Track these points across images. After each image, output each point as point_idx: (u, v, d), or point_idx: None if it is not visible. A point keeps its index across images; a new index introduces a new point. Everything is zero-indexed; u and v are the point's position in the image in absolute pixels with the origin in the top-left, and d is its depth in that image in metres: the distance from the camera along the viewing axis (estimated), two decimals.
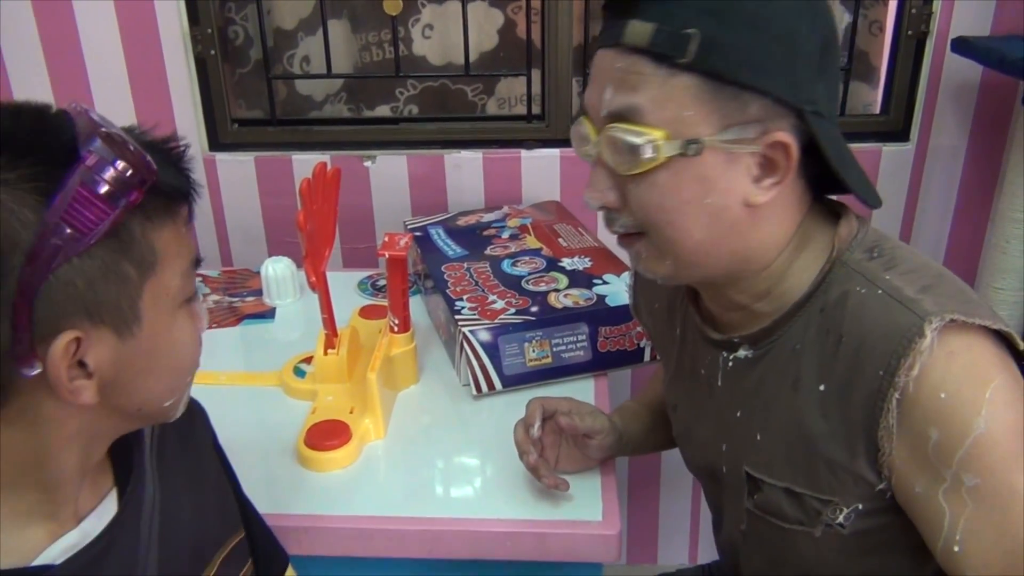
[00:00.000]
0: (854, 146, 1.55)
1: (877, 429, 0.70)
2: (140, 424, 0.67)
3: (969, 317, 0.68)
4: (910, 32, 1.56)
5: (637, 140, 0.70)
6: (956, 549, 0.67)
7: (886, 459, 0.71)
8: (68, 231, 0.52)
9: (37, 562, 0.59)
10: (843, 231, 0.77)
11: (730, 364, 0.84)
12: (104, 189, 0.54)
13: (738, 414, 0.84)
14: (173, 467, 0.73)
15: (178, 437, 0.75)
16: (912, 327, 0.68)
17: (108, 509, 0.66)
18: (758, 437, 0.81)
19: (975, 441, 0.65)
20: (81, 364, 0.56)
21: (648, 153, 0.70)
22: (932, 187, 1.64)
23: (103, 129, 0.55)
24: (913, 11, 1.54)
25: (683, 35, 0.68)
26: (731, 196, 0.72)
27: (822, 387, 0.75)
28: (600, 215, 0.80)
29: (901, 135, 1.63)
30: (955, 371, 0.67)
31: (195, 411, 0.79)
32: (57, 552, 0.60)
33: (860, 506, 0.76)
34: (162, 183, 0.58)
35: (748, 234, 0.75)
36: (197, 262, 0.65)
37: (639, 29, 0.70)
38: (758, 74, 0.69)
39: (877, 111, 1.69)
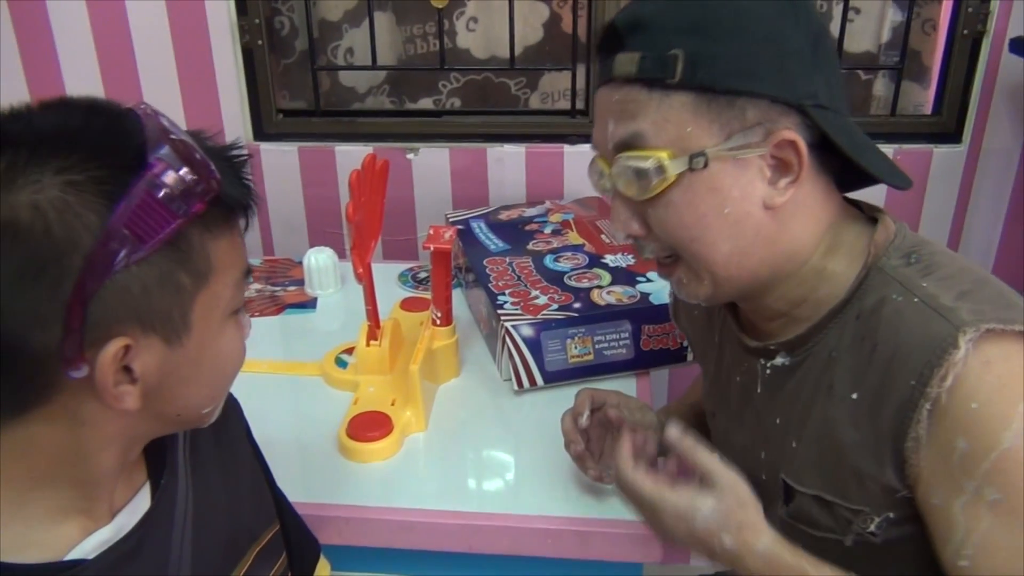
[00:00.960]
0: (904, 147, 1.56)
1: (905, 440, 0.69)
2: (176, 428, 0.67)
3: (1008, 324, 0.66)
4: (965, 31, 1.53)
5: (645, 164, 0.72)
6: (963, 563, 0.66)
7: (913, 470, 0.70)
8: (129, 238, 0.52)
9: (70, 557, 0.59)
10: (879, 235, 0.76)
11: (768, 372, 0.84)
12: (169, 197, 0.53)
13: (777, 421, 0.83)
14: (207, 460, 0.73)
15: (211, 430, 0.74)
16: (947, 337, 0.66)
17: (141, 504, 0.65)
18: (793, 444, 0.81)
19: (1001, 455, 0.64)
20: (127, 369, 0.55)
21: (657, 175, 0.72)
22: (984, 191, 1.61)
23: (172, 136, 0.55)
24: (969, 10, 1.51)
25: (668, 57, 0.70)
26: (749, 202, 0.73)
27: (855, 395, 0.74)
28: (630, 245, 0.82)
29: (953, 137, 1.59)
30: (989, 381, 0.65)
31: (229, 403, 0.79)
32: (90, 547, 0.60)
33: (891, 515, 0.74)
34: (224, 194, 0.57)
35: (775, 238, 0.75)
36: (248, 272, 0.64)
37: (626, 60, 0.73)
38: (748, 79, 0.70)
39: (929, 111, 1.66)
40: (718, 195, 0.72)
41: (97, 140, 0.53)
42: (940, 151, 1.58)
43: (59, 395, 0.54)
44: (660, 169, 0.72)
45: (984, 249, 1.65)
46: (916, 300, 0.70)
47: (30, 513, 0.58)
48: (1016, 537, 0.64)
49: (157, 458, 0.68)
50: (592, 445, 0.98)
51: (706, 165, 0.71)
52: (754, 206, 0.73)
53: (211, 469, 0.73)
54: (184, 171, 0.54)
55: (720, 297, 0.79)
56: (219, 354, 0.62)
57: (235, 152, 0.62)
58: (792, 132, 0.71)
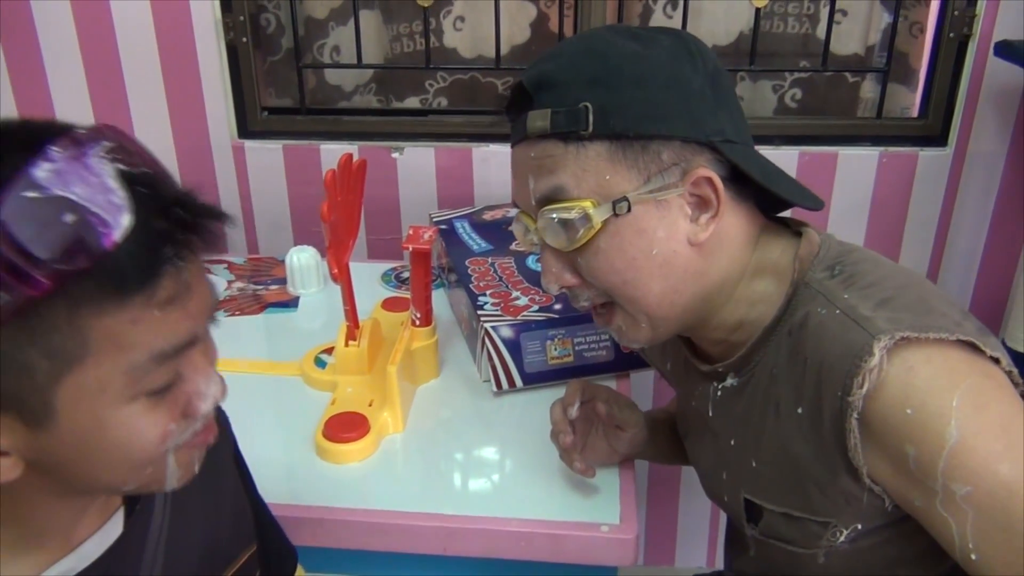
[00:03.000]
0: (890, 150, 1.56)
1: (847, 450, 0.70)
2: (103, 492, 0.59)
3: (923, 332, 0.67)
4: (952, 34, 1.52)
5: (569, 215, 0.74)
6: (973, 557, 0.66)
7: (866, 476, 0.71)
8: None
9: None
10: (803, 250, 0.78)
11: (719, 393, 0.85)
12: (8, 263, 0.43)
13: (732, 442, 0.85)
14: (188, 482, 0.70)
15: None
16: (863, 346, 0.67)
17: (113, 530, 0.62)
18: (753, 464, 0.82)
19: (952, 451, 0.64)
20: None
21: (583, 224, 0.74)
22: (969, 194, 1.61)
23: (28, 192, 0.44)
24: (956, 13, 1.50)
25: (578, 109, 0.73)
26: (674, 241, 0.75)
27: (800, 410, 0.75)
28: (563, 296, 0.84)
29: (939, 140, 1.59)
30: (917, 384, 0.66)
31: (218, 419, 0.74)
32: None
33: (859, 526, 0.75)
34: (113, 270, 0.47)
35: (703, 271, 0.77)
36: (176, 349, 0.52)
37: (538, 116, 0.75)
38: (657, 123, 0.73)
39: (915, 114, 1.65)
40: (644, 237, 0.74)
41: None
42: (926, 154, 1.58)
43: None
44: (585, 218, 0.74)
45: (969, 253, 1.65)
46: (837, 312, 0.72)
47: None
48: (1003, 515, 0.64)
49: None
50: (576, 438, 0.98)
51: (629, 209, 0.73)
52: (680, 244, 0.75)
53: (192, 490, 0.68)
54: (14, 241, 0.43)
55: (659, 337, 0.81)
56: (117, 441, 0.52)
57: (201, 218, 0.51)
58: (706, 169, 0.73)
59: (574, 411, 0.95)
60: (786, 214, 0.86)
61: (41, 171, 0.46)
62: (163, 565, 0.65)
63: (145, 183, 0.49)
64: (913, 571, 0.79)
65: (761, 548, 0.86)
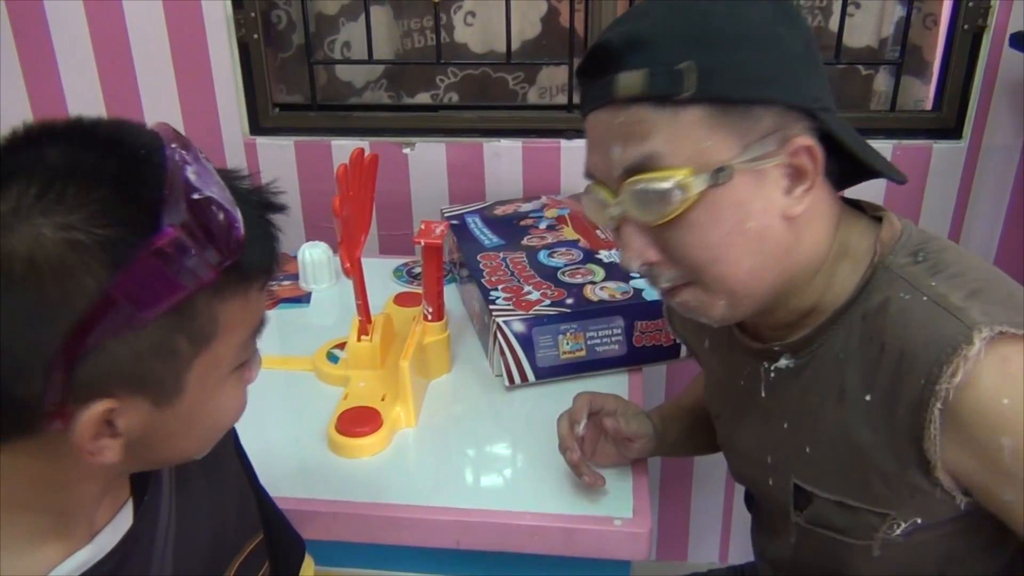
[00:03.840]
0: (904, 143, 1.54)
1: (923, 440, 0.68)
2: (162, 466, 0.65)
3: (1020, 328, 0.65)
4: (966, 26, 1.51)
5: (665, 185, 0.69)
6: None
7: (940, 471, 0.69)
8: (127, 307, 0.47)
9: None
10: (885, 234, 0.75)
11: (772, 375, 0.82)
12: (177, 269, 0.48)
13: (784, 425, 0.82)
14: (192, 473, 0.71)
15: None
16: (959, 335, 0.65)
17: (123, 522, 0.63)
18: (807, 449, 0.79)
19: None
20: (109, 423, 0.52)
21: (680, 195, 0.69)
22: (984, 187, 1.59)
23: (194, 195, 0.49)
24: (970, 4, 1.49)
25: (678, 71, 0.67)
26: (770, 214, 0.71)
27: (868, 397, 0.72)
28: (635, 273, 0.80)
29: (953, 132, 1.58)
30: (1013, 374, 0.64)
31: None
32: (69, 568, 0.58)
33: (919, 520, 0.73)
34: (244, 261, 0.52)
35: (794, 250, 0.73)
36: (260, 326, 0.59)
37: (631, 79, 0.69)
38: (762, 87, 0.68)
39: (929, 107, 1.64)
40: (740, 209, 0.70)
41: (109, 193, 0.48)
42: (940, 147, 1.57)
43: (39, 435, 0.51)
44: (682, 188, 0.68)
45: (984, 246, 1.64)
46: (925, 299, 0.69)
47: (6, 536, 0.56)
48: None
49: (141, 473, 0.66)
50: (584, 446, 0.97)
51: (729, 180, 0.68)
52: (774, 217, 0.71)
53: (196, 480, 0.71)
54: (199, 240, 0.49)
55: (733, 317, 0.76)
56: (214, 412, 0.58)
57: (269, 199, 0.57)
58: (808, 137, 0.69)
59: (581, 428, 0.93)
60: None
61: (190, 174, 0.50)
62: (173, 554, 0.66)
63: (225, 178, 0.54)
64: (964, 570, 0.77)
65: (804, 536, 0.83)
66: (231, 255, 0.51)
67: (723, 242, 0.70)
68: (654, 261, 0.74)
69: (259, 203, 0.56)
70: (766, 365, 0.82)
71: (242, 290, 0.54)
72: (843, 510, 0.77)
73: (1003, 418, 0.64)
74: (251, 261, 0.54)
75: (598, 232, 1.40)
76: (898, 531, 0.74)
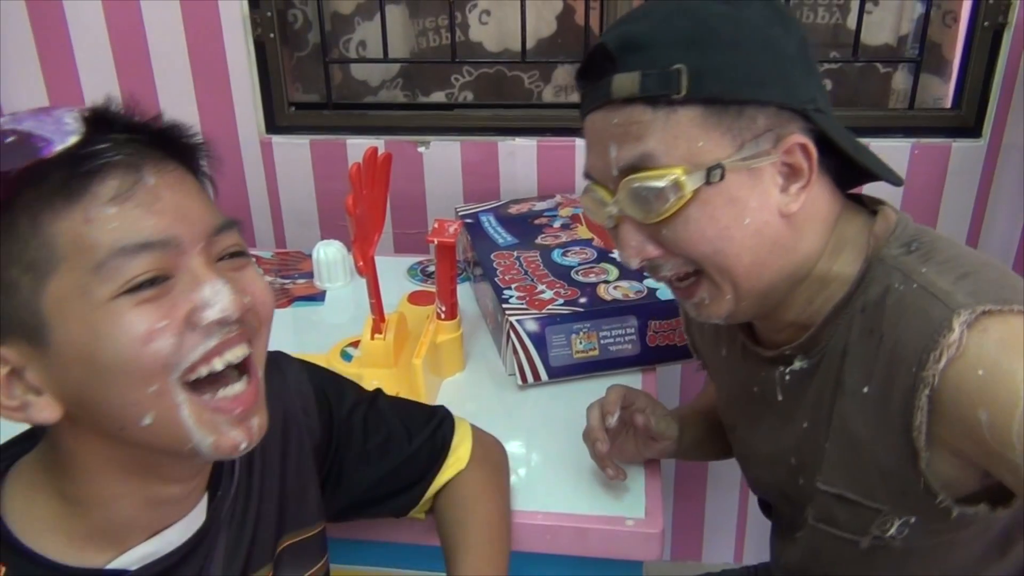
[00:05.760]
0: (923, 141, 1.53)
1: (911, 431, 0.68)
2: (162, 454, 0.59)
3: (1005, 304, 0.65)
4: (986, 23, 1.49)
5: (660, 184, 0.70)
6: None
7: (923, 461, 0.69)
8: None
9: (112, 566, 0.59)
10: (879, 227, 0.76)
11: (787, 377, 0.82)
12: None
13: (805, 425, 0.82)
14: (263, 469, 0.72)
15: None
16: (943, 320, 0.65)
17: (196, 520, 0.65)
18: (826, 445, 0.79)
19: None
20: (17, 376, 0.53)
21: (674, 193, 0.70)
22: (1004, 186, 1.57)
23: None
24: (990, 1, 1.47)
25: (672, 72, 0.69)
26: (766, 211, 0.72)
27: (866, 389, 0.73)
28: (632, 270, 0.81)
29: (973, 131, 1.56)
30: (990, 344, 0.64)
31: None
32: (133, 559, 0.60)
33: (913, 519, 0.73)
34: (57, 167, 0.51)
35: (792, 246, 0.74)
36: (149, 245, 0.53)
37: (625, 80, 0.70)
38: (755, 88, 0.70)
39: (948, 105, 1.62)
40: (736, 206, 0.71)
41: None
42: (959, 145, 1.55)
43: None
44: (676, 187, 0.70)
45: (1004, 245, 1.62)
46: (915, 286, 0.70)
47: (65, 531, 0.59)
48: None
49: (217, 471, 0.68)
50: (610, 446, 0.97)
51: (722, 177, 0.70)
52: (771, 214, 0.72)
53: (265, 475, 0.72)
54: None
55: (739, 314, 0.78)
56: (105, 347, 0.52)
57: (137, 125, 0.56)
58: (802, 136, 0.71)
59: (613, 420, 0.93)
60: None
61: (3, 120, 0.53)
62: (224, 550, 0.68)
63: (116, 121, 0.55)
64: None
65: (812, 536, 0.84)
66: (15, 164, 0.50)
67: (722, 236, 0.72)
68: (653, 256, 0.76)
69: (130, 130, 0.55)
70: (782, 369, 0.83)
71: (68, 206, 0.52)
72: (842, 504, 0.77)
73: (978, 390, 0.63)
74: (66, 174, 0.52)
75: None
76: (891, 530, 0.74)
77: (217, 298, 0.55)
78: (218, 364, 0.56)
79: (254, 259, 0.62)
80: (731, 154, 0.70)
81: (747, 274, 0.74)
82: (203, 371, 0.56)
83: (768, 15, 0.72)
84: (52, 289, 0.52)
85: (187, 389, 0.56)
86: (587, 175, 0.78)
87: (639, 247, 0.75)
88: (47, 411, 0.54)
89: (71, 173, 0.52)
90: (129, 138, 0.55)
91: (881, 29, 1.64)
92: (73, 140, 0.52)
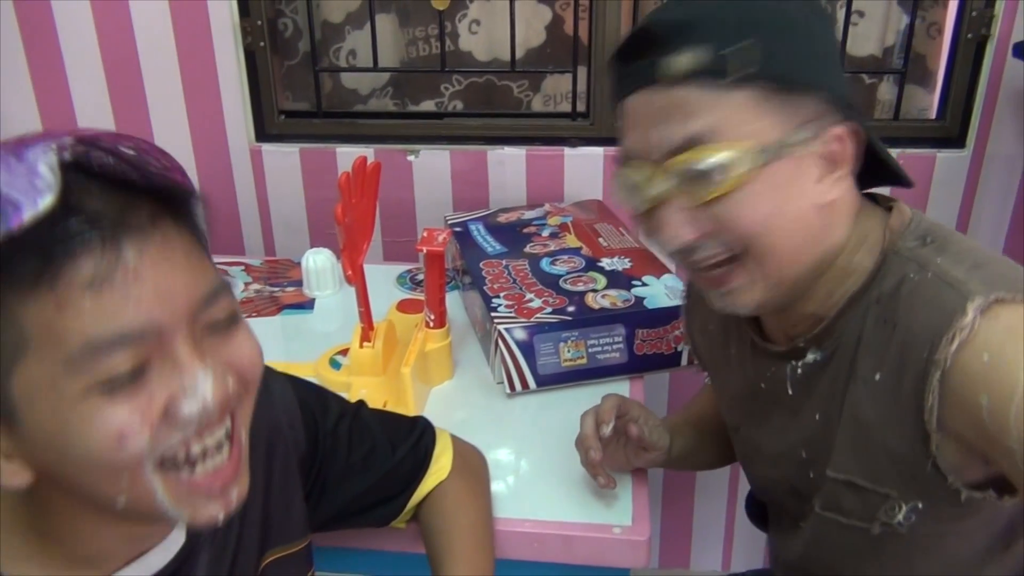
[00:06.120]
0: (908, 151, 1.55)
1: (923, 413, 0.69)
2: (101, 503, 0.54)
3: (1017, 294, 0.66)
4: (970, 35, 1.51)
5: (711, 162, 0.70)
6: None
7: (934, 444, 0.69)
8: None
9: None
10: (895, 221, 0.77)
11: (799, 371, 0.83)
12: None
13: (817, 417, 0.82)
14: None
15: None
16: (956, 306, 0.66)
17: (176, 539, 0.64)
18: (837, 434, 0.80)
19: None
20: None
21: (727, 172, 0.70)
22: (987, 197, 1.59)
23: None
24: (974, 13, 1.49)
25: (726, 53, 0.69)
26: (805, 199, 0.73)
27: (877, 376, 0.74)
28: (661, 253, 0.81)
29: (957, 142, 1.58)
30: (997, 330, 0.65)
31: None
32: None
33: (920, 504, 0.74)
34: (25, 243, 0.45)
35: (822, 237, 0.75)
36: (126, 337, 0.48)
37: (680, 59, 0.70)
38: (808, 73, 0.71)
39: (933, 116, 1.64)
40: (781, 192, 0.71)
41: None
42: (943, 156, 1.57)
43: None
44: (728, 166, 0.70)
45: None
46: (930, 275, 0.71)
47: (43, 562, 0.58)
48: None
49: None
50: (602, 454, 0.97)
51: (773, 160, 0.70)
52: (808, 204, 0.73)
53: (250, 484, 0.71)
54: None
55: (768, 304, 0.77)
56: (78, 444, 0.49)
57: (123, 180, 0.49)
58: (844, 128, 0.72)
59: (608, 430, 0.93)
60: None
61: None
62: (209, 555, 0.67)
63: (99, 173, 0.48)
64: (963, 571, 0.78)
65: (817, 527, 0.84)
66: None
67: (772, 214, 0.72)
68: (693, 238, 0.74)
69: (114, 197, 0.49)
70: (793, 364, 0.83)
71: (36, 289, 0.46)
72: (851, 490, 0.78)
73: (982, 375, 0.64)
74: (33, 252, 0.46)
75: (600, 240, 1.40)
76: (899, 515, 0.75)
77: (198, 389, 0.51)
78: (196, 448, 0.54)
79: (244, 316, 0.58)
80: (780, 138, 0.70)
81: (787, 260, 0.74)
82: (180, 455, 0.53)
83: (812, 8, 0.74)
84: (21, 375, 0.48)
85: (161, 470, 0.53)
86: (624, 157, 0.77)
87: (679, 228, 0.74)
88: (17, 478, 0.51)
89: (42, 255, 0.46)
90: (112, 195, 0.49)
91: (867, 40, 1.66)
92: (45, 204, 0.45)
